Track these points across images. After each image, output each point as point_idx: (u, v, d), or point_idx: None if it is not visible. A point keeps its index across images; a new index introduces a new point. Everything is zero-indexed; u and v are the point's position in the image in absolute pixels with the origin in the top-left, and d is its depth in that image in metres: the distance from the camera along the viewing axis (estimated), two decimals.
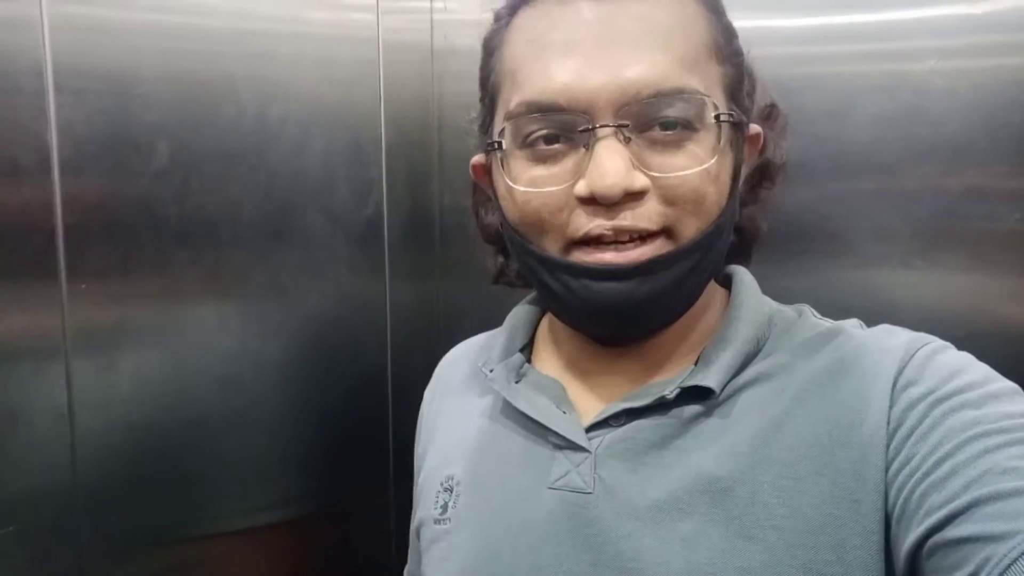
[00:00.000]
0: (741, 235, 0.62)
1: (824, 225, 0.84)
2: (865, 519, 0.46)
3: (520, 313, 0.66)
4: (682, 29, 0.50)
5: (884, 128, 0.81)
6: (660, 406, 0.53)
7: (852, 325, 0.56)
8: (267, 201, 0.82)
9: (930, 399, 0.47)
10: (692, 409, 0.53)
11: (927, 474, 0.44)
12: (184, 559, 0.78)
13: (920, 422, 0.46)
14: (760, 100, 0.59)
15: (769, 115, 0.60)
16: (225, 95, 0.78)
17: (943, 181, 0.80)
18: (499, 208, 0.56)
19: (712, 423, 0.52)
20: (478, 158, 0.60)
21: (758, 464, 0.49)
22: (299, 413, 0.88)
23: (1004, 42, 0.77)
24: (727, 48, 0.53)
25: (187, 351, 0.76)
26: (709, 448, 0.51)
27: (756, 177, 0.61)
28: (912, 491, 0.45)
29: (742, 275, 0.60)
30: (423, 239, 1.04)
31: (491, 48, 0.56)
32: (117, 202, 0.69)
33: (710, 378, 0.52)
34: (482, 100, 0.58)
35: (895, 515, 0.46)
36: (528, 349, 0.65)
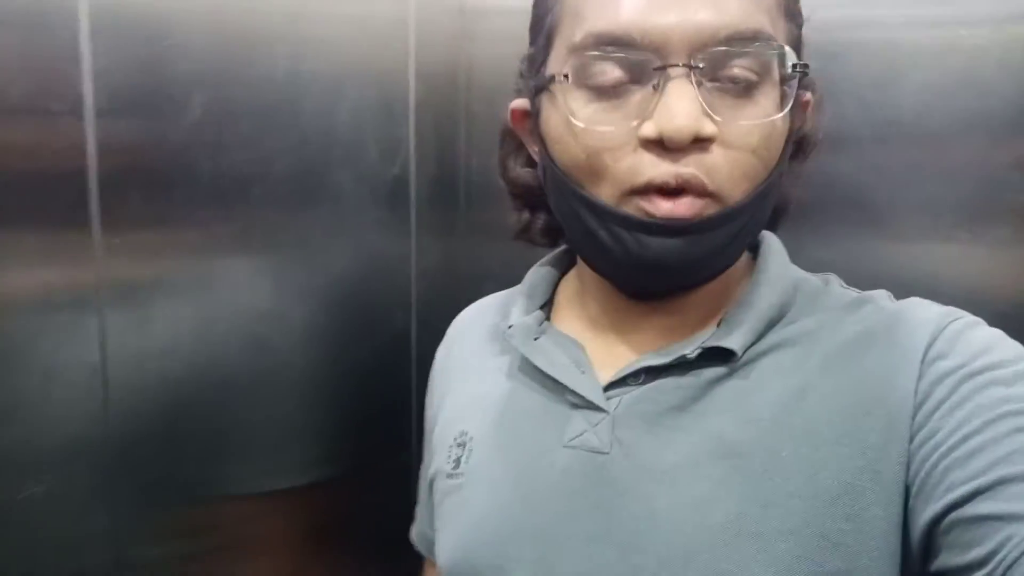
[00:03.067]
0: (774, 207, 0.61)
1: (865, 195, 0.83)
2: (885, 490, 0.46)
3: (539, 273, 0.65)
4: None
5: (932, 96, 0.79)
6: (680, 366, 0.52)
7: (880, 296, 0.55)
8: (297, 157, 0.81)
9: (960, 373, 0.46)
10: (713, 371, 0.52)
11: (952, 449, 0.44)
12: (212, 518, 0.79)
13: (948, 396, 0.46)
14: None
15: (810, 88, 0.59)
16: (258, 49, 0.76)
17: (991, 153, 0.78)
18: (546, 152, 0.54)
19: (733, 387, 0.51)
20: (519, 102, 0.58)
21: (778, 431, 0.49)
22: (324, 372, 0.87)
23: None
24: (793, 5, 0.52)
25: (217, 307, 0.76)
26: (729, 412, 0.50)
27: (791, 151, 0.59)
28: (935, 465, 0.44)
29: (770, 240, 0.59)
30: (449, 199, 1.02)
31: None
32: (151, 153, 0.68)
33: (732, 340, 0.51)
34: (533, 40, 0.56)
35: (915, 488, 0.46)
36: (547, 308, 0.64)
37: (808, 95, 0.56)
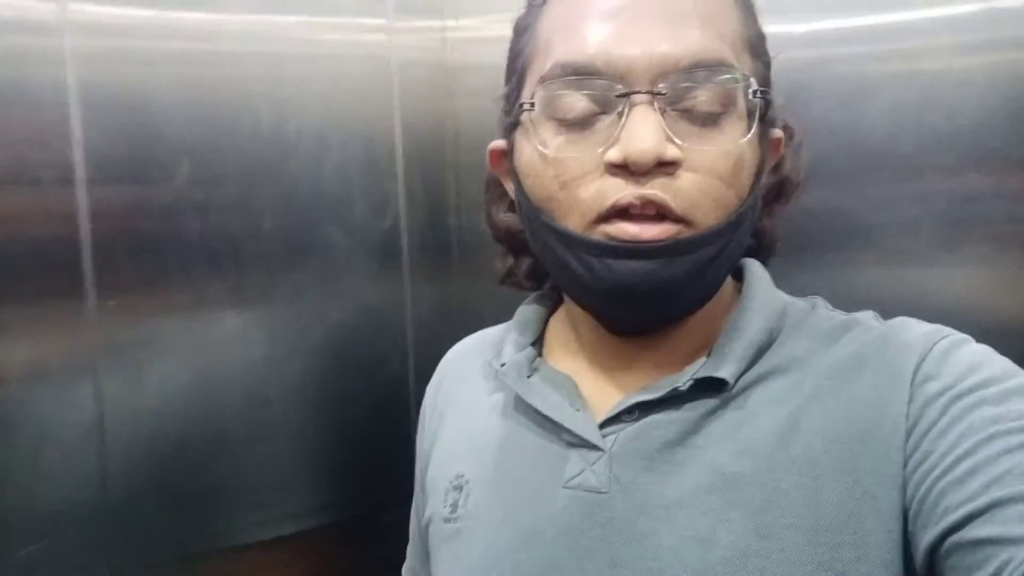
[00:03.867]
0: (759, 243, 0.62)
1: (844, 219, 0.84)
2: (884, 516, 0.46)
3: (528, 310, 0.65)
4: (722, 13, 0.50)
5: (901, 119, 0.80)
6: (673, 400, 0.52)
7: (867, 317, 0.55)
8: (287, 214, 0.84)
9: (949, 395, 0.46)
10: (706, 403, 0.52)
11: (945, 472, 0.44)
12: (210, 572, 0.79)
13: (939, 419, 0.46)
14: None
15: (784, 132, 0.59)
16: (242, 112, 0.80)
17: (963, 174, 0.79)
18: (520, 189, 0.55)
19: (727, 418, 0.51)
20: (496, 143, 0.59)
21: (775, 461, 0.48)
22: (322, 424, 0.89)
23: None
24: (759, 46, 0.53)
25: (212, 364, 0.78)
26: (724, 444, 0.50)
27: (773, 193, 0.60)
28: (930, 489, 0.44)
29: (753, 267, 0.59)
30: (441, 247, 1.05)
31: (523, 28, 0.56)
32: (142, 217, 0.72)
33: (723, 369, 0.51)
34: (508, 80, 0.57)
35: (912, 512, 0.45)
36: (539, 345, 0.63)
37: (778, 132, 0.56)
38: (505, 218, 0.64)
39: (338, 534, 0.90)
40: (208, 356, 0.77)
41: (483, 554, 0.55)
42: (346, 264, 0.90)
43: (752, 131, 0.50)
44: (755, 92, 0.50)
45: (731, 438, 0.50)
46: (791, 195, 0.61)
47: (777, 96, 0.56)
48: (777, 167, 0.59)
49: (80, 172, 0.66)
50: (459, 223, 1.06)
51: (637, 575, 0.49)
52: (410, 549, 0.74)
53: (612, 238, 0.49)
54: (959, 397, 0.46)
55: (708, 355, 0.54)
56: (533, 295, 0.66)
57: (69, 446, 0.67)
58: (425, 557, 0.65)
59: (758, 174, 0.52)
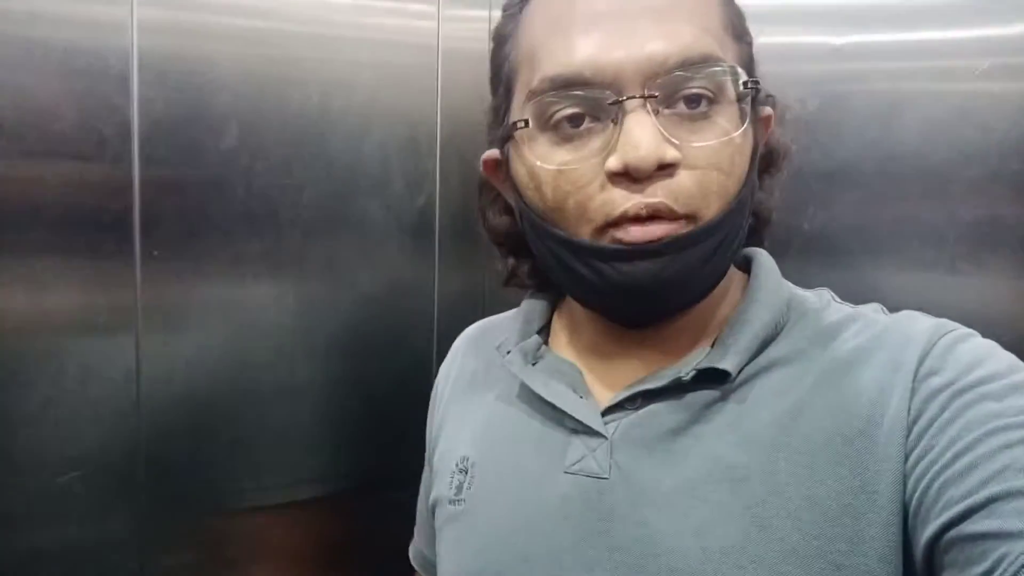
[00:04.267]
0: (756, 218, 0.61)
1: (870, 228, 0.84)
2: (882, 510, 0.46)
3: (533, 302, 0.66)
4: (702, 4, 0.50)
5: (932, 131, 0.80)
6: (676, 389, 0.53)
7: (873, 310, 0.55)
8: (326, 186, 0.87)
9: (951, 390, 0.46)
10: (709, 393, 0.52)
11: (946, 467, 0.44)
12: (234, 522, 0.83)
13: (940, 413, 0.46)
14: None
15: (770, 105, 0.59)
16: (291, 88, 0.83)
17: (990, 185, 0.79)
18: (519, 198, 0.55)
19: (729, 408, 0.51)
20: (489, 153, 0.59)
21: (775, 453, 0.49)
22: (344, 393, 0.92)
23: None
24: (740, 27, 0.53)
25: (245, 323, 0.82)
26: (726, 435, 0.50)
27: (763, 164, 0.59)
28: (930, 484, 0.44)
29: (762, 258, 0.59)
30: (472, 231, 1.07)
31: (503, 37, 0.56)
32: (190, 177, 0.76)
33: (727, 361, 0.51)
34: (494, 92, 0.57)
35: (912, 507, 0.45)
36: (544, 333, 0.64)
37: (768, 110, 0.56)
38: (502, 221, 0.64)
39: (350, 503, 0.93)
40: (242, 315, 0.81)
41: (485, 537, 0.56)
42: (380, 238, 0.94)
43: (743, 119, 0.50)
44: (745, 83, 0.50)
45: (732, 428, 0.51)
46: (780, 165, 0.61)
47: (761, 71, 0.56)
48: (768, 140, 0.59)
49: (135, 129, 0.71)
50: None
51: (635, 560, 0.49)
52: (417, 527, 0.75)
53: (619, 241, 0.49)
54: (961, 392, 0.46)
55: (712, 345, 0.54)
56: (536, 292, 0.67)
57: (109, 389, 0.72)
58: (431, 537, 0.67)
59: (753, 157, 0.53)
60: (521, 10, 0.54)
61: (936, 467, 0.44)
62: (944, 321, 0.52)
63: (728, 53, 0.51)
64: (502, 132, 0.55)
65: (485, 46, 1.08)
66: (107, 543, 0.74)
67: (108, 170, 0.70)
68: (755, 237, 0.61)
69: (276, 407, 0.85)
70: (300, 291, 0.87)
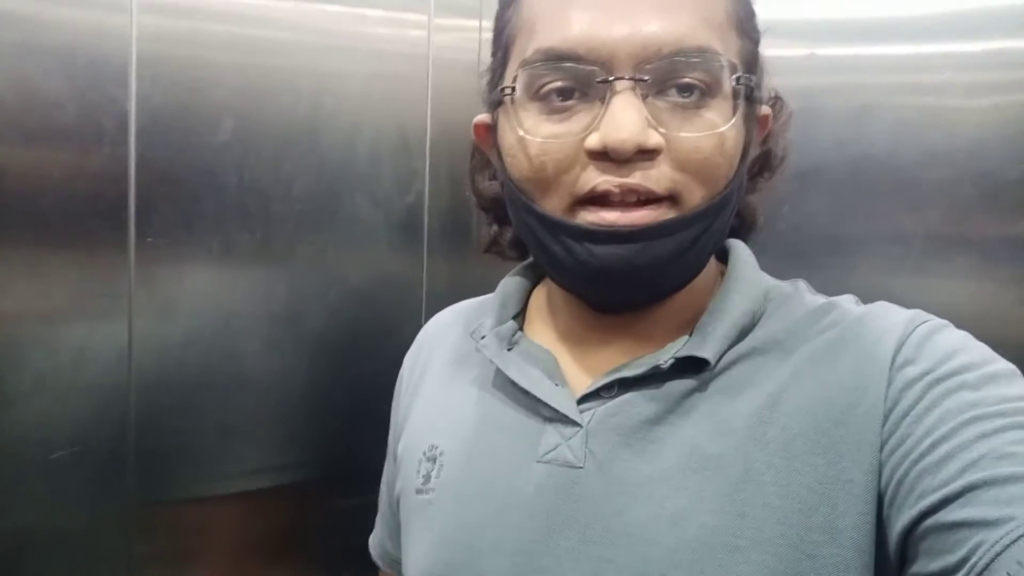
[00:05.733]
0: (741, 221, 0.62)
1: (839, 227, 0.86)
2: (858, 500, 0.46)
3: (511, 283, 0.64)
4: None
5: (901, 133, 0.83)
6: (654, 378, 0.52)
7: (847, 300, 0.56)
8: (317, 181, 0.90)
9: (927, 379, 0.46)
10: (686, 383, 0.52)
11: (922, 456, 0.44)
12: (219, 506, 0.85)
13: (916, 402, 0.46)
14: (766, 93, 0.58)
15: (774, 106, 0.60)
16: (284, 88, 0.86)
17: (957, 185, 0.81)
18: (503, 166, 0.55)
19: (706, 398, 0.51)
20: (482, 117, 0.59)
21: (752, 442, 0.49)
22: (330, 383, 0.94)
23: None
24: (747, 23, 0.53)
25: (234, 310, 0.84)
26: (702, 424, 0.50)
27: (757, 166, 0.60)
28: (906, 473, 0.44)
29: (739, 248, 0.59)
30: (460, 228, 1.10)
31: (507, 3, 0.55)
32: (183, 167, 0.78)
33: (705, 349, 0.51)
34: (494, 54, 0.57)
35: (888, 496, 0.45)
36: (520, 318, 0.63)
37: (766, 110, 0.56)
38: (490, 187, 0.64)
39: (321, 491, 0.94)
40: (231, 302, 0.84)
41: (454, 526, 0.55)
42: (369, 232, 0.96)
43: (737, 115, 0.49)
44: (739, 78, 0.49)
45: (709, 418, 0.50)
46: (775, 169, 0.61)
47: (767, 73, 0.56)
48: (764, 140, 0.59)
49: (132, 119, 0.73)
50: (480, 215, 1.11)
51: (609, 551, 0.49)
52: (379, 520, 0.74)
53: (592, 223, 0.49)
54: (938, 382, 0.46)
55: (690, 334, 0.54)
56: (517, 267, 0.66)
57: (102, 369, 0.74)
58: (394, 529, 0.66)
59: (744, 155, 0.52)
60: None
61: (913, 456, 0.44)
62: (918, 312, 0.52)
63: (729, 47, 0.50)
64: (493, 96, 0.55)
65: (475, 55, 1.13)
66: (96, 522, 0.76)
67: (105, 159, 0.73)
68: (739, 238, 0.62)
69: (263, 395, 0.87)
70: (290, 282, 0.89)
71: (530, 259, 0.67)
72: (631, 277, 0.50)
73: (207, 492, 0.84)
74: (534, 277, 0.66)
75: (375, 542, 0.74)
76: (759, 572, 0.46)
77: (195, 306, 0.80)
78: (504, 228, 0.66)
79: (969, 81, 0.80)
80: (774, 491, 0.47)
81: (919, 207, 0.83)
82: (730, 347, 0.53)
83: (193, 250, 0.80)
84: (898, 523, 0.44)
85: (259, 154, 0.84)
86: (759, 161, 0.60)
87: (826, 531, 0.46)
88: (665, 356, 0.52)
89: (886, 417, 0.47)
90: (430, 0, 1.02)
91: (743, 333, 0.53)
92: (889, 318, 0.51)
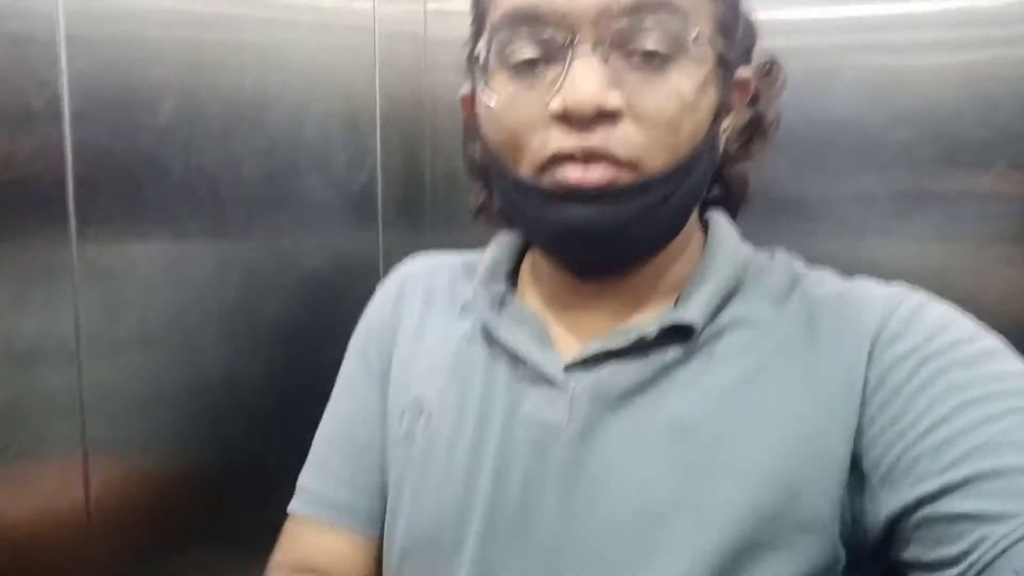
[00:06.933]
0: (729, 191, 0.62)
1: (802, 190, 0.87)
2: (827, 471, 0.47)
3: (503, 241, 0.65)
4: None
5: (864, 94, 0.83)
6: (639, 348, 0.53)
7: (829, 274, 0.56)
8: (267, 160, 0.87)
9: (917, 356, 0.46)
10: (671, 352, 0.52)
11: (920, 438, 0.44)
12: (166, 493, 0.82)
13: (908, 380, 0.46)
14: (760, 58, 0.59)
15: (769, 72, 0.60)
16: (227, 63, 0.83)
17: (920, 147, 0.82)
18: (481, 135, 0.56)
19: (690, 368, 0.52)
20: (466, 89, 0.59)
21: (727, 410, 0.50)
22: (289, 366, 0.92)
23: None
24: None
25: (187, 296, 0.81)
26: (684, 393, 0.51)
27: (747, 132, 0.60)
28: (902, 453, 0.44)
29: (718, 218, 0.60)
30: (417, 209, 1.08)
31: None
32: (124, 150, 0.74)
33: (690, 313, 0.52)
34: (472, 25, 0.57)
35: (879, 475, 0.45)
36: (511, 281, 0.64)
37: (746, 73, 0.55)
38: (479, 154, 0.64)
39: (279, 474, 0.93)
40: (184, 290, 0.81)
41: (440, 482, 0.56)
42: (322, 211, 0.94)
43: (703, 77, 0.49)
44: (709, 39, 0.49)
45: (691, 387, 0.51)
46: (767, 135, 0.60)
47: (756, 42, 0.56)
48: (754, 103, 0.58)
49: (65, 103, 0.69)
50: (434, 180, 1.09)
51: (581, 509, 0.50)
52: (315, 466, 0.66)
53: (557, 184, 0.49)
54: (928, 359, 0.46)
55: (675, 303, 0.55)
56: (507, 232, 0.66)
57: (47, 366, 0.71)
58: (343, 475, 0.63)
59: (716, 118, 0.52)
60: None
61: (909, 436, 0.44)
62: (901, 288, 0.52)
63: (697, 7, 0.49)
64: (470, 66, 0.56)
65: (421, 26, 1.10)
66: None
67: (40, 145, 0.68)
68: (729, 208, 0.62)
69: (221, 387, 0.85)
70: (242, 264, 0.86)
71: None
72: (595, 238, 0.51)
73: (157, 472, 0.81)
74: (522, 242, 0.66)
75: (315, 488, 0.65)
76: (719, 532, 0.47)
77: (144, 296, 0.77)
78: (492, 195, 0.66)
79: (930, 40, 0.80)
80: (740, 455, 0.48)
81: (883, 167, 0.84)
82: (714, 313, 0.53)
83: (140, 238, 0.76)
84: (889, 504, 0.45)
85: (204, 133, 0.80)
86: (748, 127, 0.59)
87: (790, 497, 0.47)
88: (651, 327, 0.52)
89: (873, 392, 0.47)
90: None
91: (726, 298, 0.54)
92: (872, 292, 0.52)
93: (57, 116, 0.69)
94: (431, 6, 1.08)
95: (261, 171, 0.86)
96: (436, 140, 1.09)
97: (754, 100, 0.59)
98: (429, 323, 0.64)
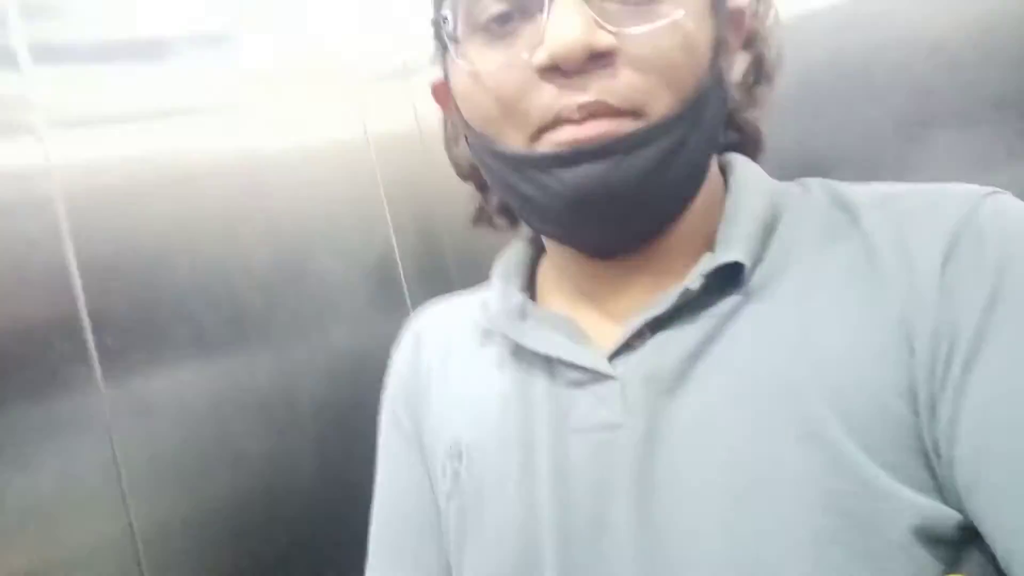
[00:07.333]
0: (743, 136, 0.56)
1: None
2: (909, 406, 0.41)
3: (510, 255, 0.59)
4: None
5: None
6: (685, 309, 0.47)
7: (874, 186, 0.49)
8: (276, 248, 0.84)
9: (988, 295, 0.40)
10: (723, 304, 0.46)
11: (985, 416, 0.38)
12: None
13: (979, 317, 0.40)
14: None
15: (757, 11, 0.54)
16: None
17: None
18: (461, 119, 0.50)
19: (745, 318, 0.46)
20: (436, 78, 0.54)
21: (796, 366, 0.43)
22: (340, 455, 0.87)
23: None
24: None
25: (221, 400, 0.78)
26: (745, 351, 0.45)
27: (751, 75, 0.55)
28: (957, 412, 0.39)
29: (736, 157, 0.54)
30: (441, 271, 1.05)
31: None
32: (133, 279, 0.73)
33: (733, 251, 0.46)
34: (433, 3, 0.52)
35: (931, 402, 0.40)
36: (529, 293, 0.57)
37: (740, 2, 0.51)
38: (466, 153, 0.58)
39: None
40: (214, 395, 0.77)
41: (499, 521, 0.50)
42: (343, 293, 0.91)
43: (696, 5, 0.44)
44: None
45: (752, 342, 0.45)
46: (772, 75, 0.55)
47: None
48: (751, 44, 0.54)
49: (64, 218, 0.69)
50: (452, 237, 1.06)
51: (665, 508, 0.44)
52: (378, 553, 0.62)
53: (555, 146, 0.44)
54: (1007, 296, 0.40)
55: (712, 251, 0.48)
56: (515, 240, 0.61)
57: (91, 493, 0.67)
58: (401, 553, 0.58)
59: (716, 51, 0.47)
60: None
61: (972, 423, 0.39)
62: (969, 189, 0.45)
63: None
64: (438, 44, 0.51)
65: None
66: None
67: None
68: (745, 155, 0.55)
69: (270, 491, 0.80)
70: (271, 361, 0.84)
71: (524, 232, 0.61)
72: (610, 199, 0.45)
73: None
74: (533, 249, 0.60)
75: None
76: (815, 505, 0.40)
77: (176, 406, 0.74)
78: (488, 195, 0.61)
79: None
80: (825, 414, 0.41)
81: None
82: (759, 251, 0.47)
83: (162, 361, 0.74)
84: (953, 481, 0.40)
85: (208, 235, 0.79)
86: (751, 69, 0.54)
87: (878, 453, 0.40)
88: (693, 279, 0.46)
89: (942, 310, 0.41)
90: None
91: (767, 233, 0.48)
92: (944, 191, 0.45)
93: (56, 230, 0.68)
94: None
95: (272, 259, 0.84)
96: (445, 197, 1.07)
97: (749, 42, 0.54)
98: (452, 364, 0.59)
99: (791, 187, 0.52)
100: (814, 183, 0.52)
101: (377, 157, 1.00)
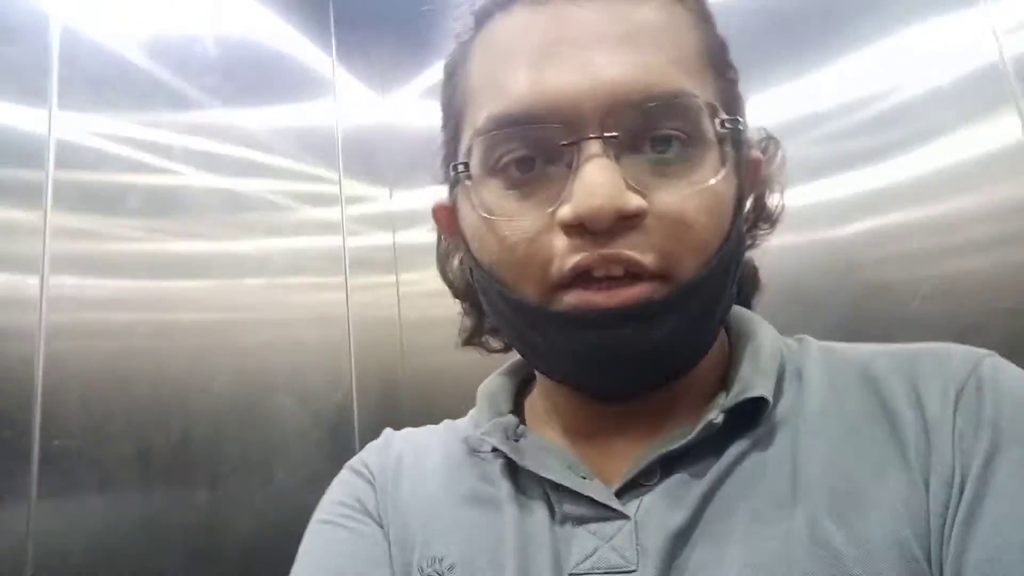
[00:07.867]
0: (742, 279, 0.54)
1: None
2: (924, 539, 0.39)
3: (492, 384, 0.55)
4: (672, 30, 0.44)
5: None
6: (697, 447, 0.44)
7: (864, 346, 0.49)
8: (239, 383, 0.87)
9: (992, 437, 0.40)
10: (742, 443, 0.44)
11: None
12: None
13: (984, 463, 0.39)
14: (754, 135, 0.53)
15: (765, 148, 0.53)
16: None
17: None
18: (469, 252, 0.48)
19: (763, 455, 0.44)
20: (440, 201, 0.52)
21: (817, 502, 0.41)
22: None
23: None
24: (721, 58, 0.47)
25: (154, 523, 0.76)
26: (764, 491, 0.42)
27: (751, 218, 0.53)
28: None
29: (738, 308, 0.52)
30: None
31: (453, 69, 0.50)
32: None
33: (758, 387, 0.44)
34: (444, 126, 0.51)
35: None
36: (516, 416, 0.53)
37: (756, 154, 0.50)
38: (462, 273, 0.56)
39: None
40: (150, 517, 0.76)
41: None
42: (296, 435, 0.92)
43: (726, 165, 0.43)
44: (723, 122, 0.43)
45: (771, 481, 0.43)
46: (774, 219, 0.54)
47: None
48: (757, 185, 0.52)
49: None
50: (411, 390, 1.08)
51: None
52: None
53: (577, 309, 0.42)
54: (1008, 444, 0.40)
55: (727, 390, 0.46)
56: (495, 373, 0.57)
57: None
58: None
59: (738, 207, 0.46)
60: (473, 38, 0.48)
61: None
62: (969, 351, 0.45)
63: (705, 88, 0.44)
64: (449, 177, 0.49)
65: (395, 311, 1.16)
66: None
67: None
68: (742, 298, 0.54)
69: None
70: (212, 490, 0.82)
71: (510, 361, 0.57)
72: (634, 361, 0.43)
73: None
74: (517, 376, 0.56)
75: None
76: None
77: (109, 527, 0.73)
78: (483, 317, 0.57)
79: None
80: (840, 539, 0.40)
81: None
82: (775, 390, 0.46)
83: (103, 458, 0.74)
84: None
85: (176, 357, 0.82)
86: (753, 211, 0.53)
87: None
88: (712, 413, 0.44)
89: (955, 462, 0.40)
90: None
91: (780, 371, 0.47)
92: (948, 350, 0.45)
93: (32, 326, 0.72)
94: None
95: (233, 394, 0.87)
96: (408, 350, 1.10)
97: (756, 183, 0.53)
98: (429, 477, 0.53)
99: (788, 340, 0.52)
100: (809, 339, 0.52)
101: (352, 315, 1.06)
